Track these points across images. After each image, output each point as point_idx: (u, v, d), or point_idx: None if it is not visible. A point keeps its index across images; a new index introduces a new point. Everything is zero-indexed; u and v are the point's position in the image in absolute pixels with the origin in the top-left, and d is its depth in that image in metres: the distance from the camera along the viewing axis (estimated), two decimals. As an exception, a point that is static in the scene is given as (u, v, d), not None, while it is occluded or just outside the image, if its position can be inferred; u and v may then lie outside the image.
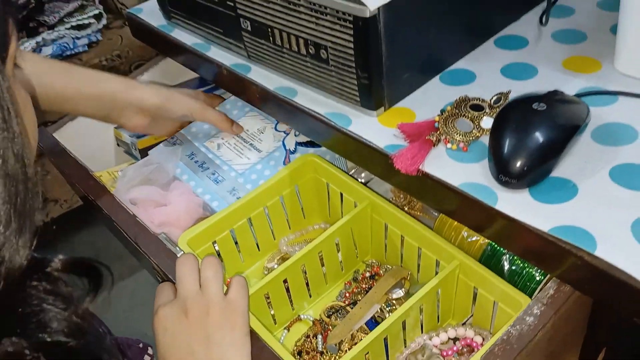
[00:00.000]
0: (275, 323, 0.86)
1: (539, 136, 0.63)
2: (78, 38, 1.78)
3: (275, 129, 0.98)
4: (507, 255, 0.76)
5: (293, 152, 0.95)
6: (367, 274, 0.89)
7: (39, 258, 0.46)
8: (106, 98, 0.88)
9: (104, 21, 1.83)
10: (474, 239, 0.79)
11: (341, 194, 0.90)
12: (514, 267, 0.75)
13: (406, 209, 0.93)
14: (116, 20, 1.89)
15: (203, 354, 0.63)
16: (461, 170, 0.68)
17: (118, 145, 1.13)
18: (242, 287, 0.68)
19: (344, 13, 0.69)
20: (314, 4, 0.71)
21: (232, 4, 0.84)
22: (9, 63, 0.46)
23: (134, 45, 1.83)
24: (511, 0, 0.88)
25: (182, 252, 0.78)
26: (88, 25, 1.80)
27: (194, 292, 0.66)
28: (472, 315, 0.78)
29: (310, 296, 0.88)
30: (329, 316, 0.84)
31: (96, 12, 1.81)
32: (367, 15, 0.67)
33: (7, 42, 0.46)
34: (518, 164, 0.62)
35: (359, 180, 0.89)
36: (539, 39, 0.86)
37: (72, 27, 1.77)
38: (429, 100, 0.78)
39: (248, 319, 0.67)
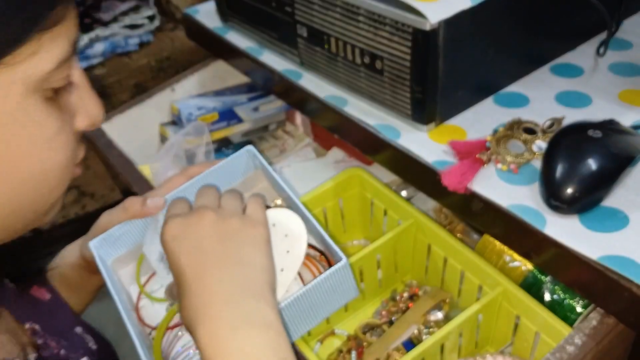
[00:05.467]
0: (309, 334, 0.85)
1: (592, 163, 0.62)
2: (130, 37, 1.81)
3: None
4: (549, 284, 0.75)
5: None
6: (406, 294, 0.87)
7: None
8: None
9: (156, 23, 1.86)
10: (515, 264, 0.78)
11: (385, 211, 0.89)
12: (555, 297, 0.74)
13: (447, 229, 0.92)
14: (168, 23, 1.92)
15: (218, 250, 0.57)
16: (511, 191, 0.67)
17: (162, 142, 1.14)
18: (260, 204, 0.64)
19: (403, 24, 0.69)
20: (374, 14, 0.71)
21: (290, 10, 0.84)
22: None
23: (183, 48, 1.85)
24: (570, 30, 0.87)
25: None
26: (141, 26, 1.83)
27: (211, 204, 0.62)
28: (511, 344, 0.76)
29: (346, 310, 0.88)
30: (364, 333, 0.83)
31: (150, 13, 1.84)
32: (428, 28, 0.67)
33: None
34: (570, 189, 0.61)
35: (401, 197, 0.89)
36: (595, 70, 0.85)
37: (126, 26, 1.80)
38: (480, 119, 0.77)
39: (268, 232, 0.62)
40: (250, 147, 0.73)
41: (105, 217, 0.72)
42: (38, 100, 0.47)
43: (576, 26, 0.87)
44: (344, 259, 0.61)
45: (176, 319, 0.67)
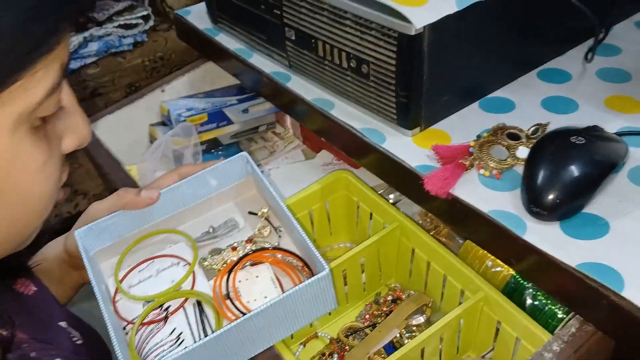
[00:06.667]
0: (292, 337, 0.85)
1: (574, 170, 0.62)
2: (124, 37, 1.81)
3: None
4: (530, 290, 0.75)
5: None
6: (389, 298, 0.87)
7: None
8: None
9: (151, 23, 1.86)
10: (497, 269, 0.78)
11: (371, 214, 0.89)
12: (536, 303, 0.74)
13: (432, 234, 0.92)
14: (162, 23, 1.92)
15: None
16: (492, 197, 0.67)
17: (151, 142, 1.14)
18: None
19: (389, 29, 0.69)
20: (361, 18, 0.71)
21: (278, 13, 0.84)
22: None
23: (177, 48, 1.85)
24: (558, 35, 0.87)
25: None
26: (135, 25, 1.83)
27: None
28: (492, 349, 0.76)
29: (330, 314, 0.88)
30: (347, 336, 0.83)
31: (144, 13, 1.84)
32: (413, 33, 0.67)
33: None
34: (551, 195, 0.61)
35: (388, 200, 0.89)
36: (582, 75, 0.85)
37: (120, 26, 1.80)
38: (465, 125, 0.77)
39: None
40: (244, 153, 0.73)
41: (94, 207, 0.71)
42: (26, 132, 0.43)
43: (564, 31, 0.87)
44: (327, 269, 0.60)
45: (151, 315, 0.67)
